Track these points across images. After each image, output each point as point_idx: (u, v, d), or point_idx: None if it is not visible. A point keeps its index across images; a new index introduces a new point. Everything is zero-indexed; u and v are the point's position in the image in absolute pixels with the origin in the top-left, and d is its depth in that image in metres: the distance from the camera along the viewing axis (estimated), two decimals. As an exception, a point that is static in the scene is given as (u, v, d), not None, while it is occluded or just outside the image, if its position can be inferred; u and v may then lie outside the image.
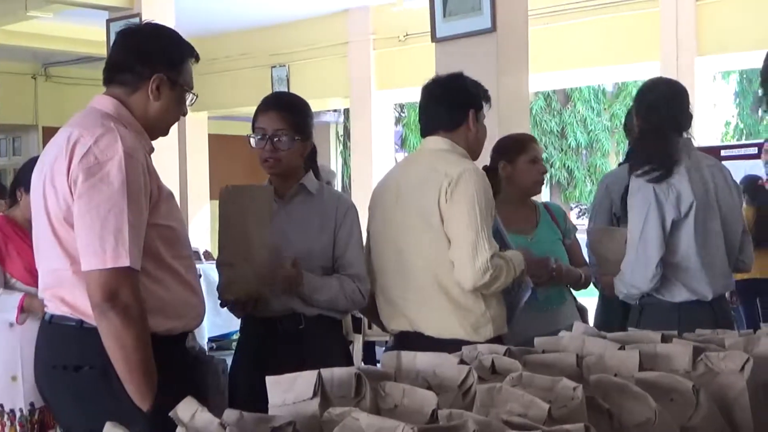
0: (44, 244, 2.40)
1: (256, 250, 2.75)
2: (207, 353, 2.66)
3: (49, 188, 2.34)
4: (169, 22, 7.46)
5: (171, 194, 2.48)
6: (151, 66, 2.43)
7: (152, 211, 2.34)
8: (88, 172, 2.25)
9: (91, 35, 9.41)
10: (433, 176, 2.88)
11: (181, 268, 2.44)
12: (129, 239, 2.22)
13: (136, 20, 7.37)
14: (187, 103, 2.55)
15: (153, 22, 2.61)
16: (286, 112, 2.94)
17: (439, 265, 2.88)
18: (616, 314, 3.42)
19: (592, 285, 3.62)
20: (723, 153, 7.63)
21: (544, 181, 3.67)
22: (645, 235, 3.08)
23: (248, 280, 2.75)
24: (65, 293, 2.35)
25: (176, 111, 2.52)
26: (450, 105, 3.02)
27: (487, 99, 3.11)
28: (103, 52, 7.84)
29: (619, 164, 3.53)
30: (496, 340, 2.75)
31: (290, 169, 2.94)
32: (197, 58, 2.57)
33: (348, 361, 3.06)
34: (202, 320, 2.56)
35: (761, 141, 7.24)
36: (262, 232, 2.75)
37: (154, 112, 2.46)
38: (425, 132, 3.08)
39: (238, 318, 3.05)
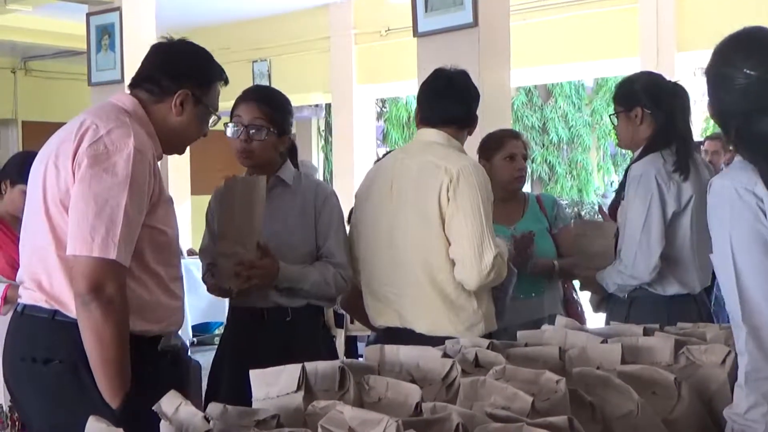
0: (34, 222, 2.37)
1: (253, 240, 2.78)
2: (188, 352, 2.65)
3: (51, 168, 2.31)
4: (150, 16, 7.41)
5: (171, 200, 2.48)
6: (178, 81, 2.46)
7: (150, 212, 2.33)
8: (94, 159, 2.24)
9: (71, 29, 9.33)
10: (432, 171, 2.86)
11: (166, 274, 2.43)
12: (120, 234, 2.21)
13: (116, 14, 7.37)
14: (210, 124, 2.56)
15: (185, 39, 2.61)
16: (265, 104, 2.95)
17: (434, 263, 2.87)
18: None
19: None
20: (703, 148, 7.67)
21: (524, 178, 3.67)
22: (648, 225, 3.09)
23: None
24: (43, 277, 2.32)
25: (196, 129, 2.53)
26: (460, 100, 3.02)
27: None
28: (83, 46, 7.77)
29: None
30: (486, 337, 2.75)
31: (263, 162, 2.94)
32: (226, 82, 2.59)
33: (333, 355, 3.06)
34: (179, 327, 2.55)
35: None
36: (257, 221, 2.79)
37: (174, 126, 2.47)
38: (430, 123, 3.02)
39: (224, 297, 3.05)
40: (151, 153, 2.34)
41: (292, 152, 3.14)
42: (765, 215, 1.82)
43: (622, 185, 3.27)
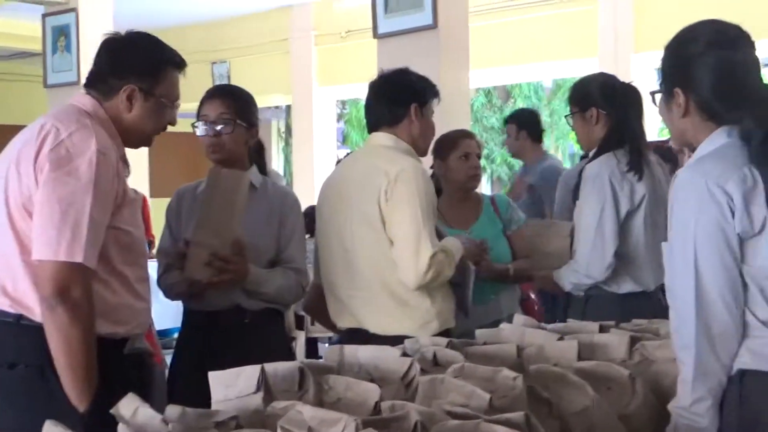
0: None
1: (230, 234, 2.76)
2: (152, 356, 2.63)
3: (12, 173, 2.29)
4: (107, 18, 7.33)
5: (136, 200, 2.45)
6: (121, 77, 2.41)
7: (115, 213, 2.31)
8: (57, 163, 2.22)
9: (27, 30, 9.23)
10: (374, 175, 2.89)
11: (131, 274, 2.41)
12: (86, 236, 2.19)
13: (73, 15, 7.29)
14: (172, 113, 2.51)
15: (136, 29, 2.54)
16: (229, 98, 2.97)
17: (382, 264, 2.89)
18: None
19: None
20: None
21: (479, 177, 3.69)
22: (602, 224, 3.13)
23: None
24: (8, 283, 2.30)
25: (153, 122, 2.48)
26: (391, 100, 3.03)
27: (435, 93, 3.11)
28: (39, 47, 7.69)
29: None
30: (444, 334, 2.76)
31: (234, 156, 2.94)
32: (181, 67, 2.52)
33: (290, 357, 3.06)
34: (146, 328, 2.53)
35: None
36: (237, 216, 2.77)
37: (128, 122, 2.43)
38: (371, 128, 3.09)
39: (180, 299, 3.03)
40: (114, 154, 2.32)
41: (258, 152, 3.15)
42: (732, 214, 1.84)
43: (577, 185, 3.31)
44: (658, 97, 2.09)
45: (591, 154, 3.32)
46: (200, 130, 2.95)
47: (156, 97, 2.45)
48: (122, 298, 2.38)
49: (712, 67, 1.95)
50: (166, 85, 2.47)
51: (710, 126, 1.96)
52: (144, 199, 6.32)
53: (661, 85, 2.06)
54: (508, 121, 5.41)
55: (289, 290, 2.95)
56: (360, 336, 2.86)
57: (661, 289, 3.29)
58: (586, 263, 3.15)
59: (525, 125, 5.25)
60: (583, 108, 3.31)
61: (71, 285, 2.18)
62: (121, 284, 2.38)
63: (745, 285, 1.86)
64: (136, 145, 2.53)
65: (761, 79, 2.00)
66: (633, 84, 3.42)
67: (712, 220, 1.84)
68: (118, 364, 2.36)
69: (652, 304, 3.22)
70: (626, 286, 3.21)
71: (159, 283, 2.98)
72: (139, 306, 2.45)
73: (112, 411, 1.56)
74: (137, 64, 2.44)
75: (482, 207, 3.69)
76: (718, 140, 1.94)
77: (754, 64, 1.98)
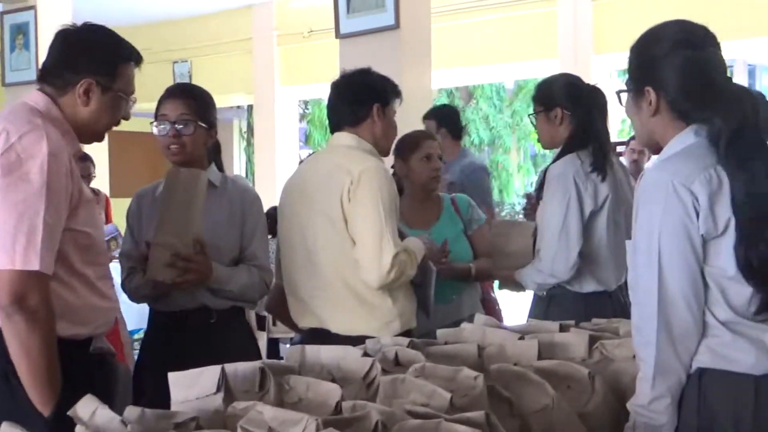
0: None
1: (190, 233, 2.74)
2: (115, 356, 2.60)
3: None
4: (66, 16, 7.25)
5: (92, 200, 2.41)
6: (78, 71, 2.36)
7: (71, 215, 2.27)
8: (7, 168, 2.17)
9: (-16, 28, 9.10)
10: (337, 174, 2.89)
11: (93, 274, 2.38)
12: (42, 242, 2.16)
13: (31, 13, 7.20)
14: (128, 108, 2.48)
15: (91, 22, 2.49)
16: (189, 98, 2.93)
17: (345, 264, 2.89)
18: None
19: None
20: (618, 149, 7.84)
21: (440, 177, 3.70)
22: (567, 224, 3.15)
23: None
24: None
25: (109, 116, 2.44)
26: (353, 100, 3.03)
27: (397, 94, 3.12)
28: (-3, 45, 7.58)
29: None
30: (405, 334, 2.77)
31: (193, 157, 2.91)
32: (138, 61, 2.48)
33: (258, 355, 3.05)
34: (111, 326, 2.51)
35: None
36: (197, 215, 2.75)
37: (83, 117, 2.39)
38: (333, 128, 3.09)
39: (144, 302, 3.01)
40: (67, 154, 2.28)
41: (215, 150, 3.13)
42: (697, 215, 1.86)
43: (541, 185, 3.33)
44: (624, 96, 2.10)
45: (555, 153, 3.33)
46: (159, 129, 2.90)
47: (113, 92, 2.41)
48: (85, 299, 2.36)
49: (682, 66, 1.96)
50: (123, 79, 2.44)
51: (679, 125, 1.97)
52: (107, 199, 6.26)
53: (628, 84, 2.07)
54: (426, 117, 5.18)
55: (253, 287, 2.94)
56: (322, 336, 2.86)
57: (623, 287, 3.34)
58: (551, 263, 3.17)
59: (444, 122, 5.11)
60: (547, 107, 3.33)
61: (28, 293, 2.15)
62: (83, 285, 2.35)
63: (706, 285, 1.88)
64: (89, 140, 2.49)
65: (729, 79, 2.02)
66: (597, 86, 3.44)
67: (677, 219, 1.86)
68: (83, 366, 2.33)
69: (614, 303, 3.26)
70: (589, 286, 3.24)
71: (123, 286, 2.95)
72: (104, 305, 2.42)
73: (69, 413, 1.55)
74: (95, 57, 2.40)
75: (443, 207, 3.70)
76: (685, 140, 1.95)
77: (722, 64, 2.01)
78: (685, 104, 1.96)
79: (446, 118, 5.16)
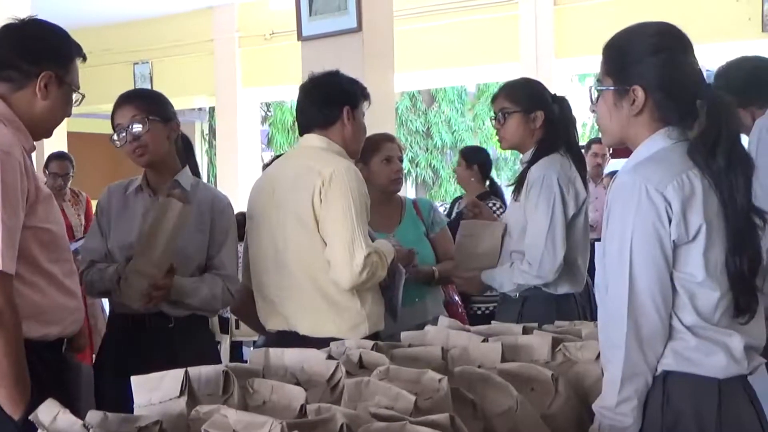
0: None
1: (167, 262, 2.74)
2: (75, 358, 2.57)
3: None
4: (24, 15, 7.17)
5: (50, 195, 2.38)
6: (38, 63, 2.34)
7: (29, 212, 2.24)
8: None
9: (-60, 28, 8.96)
10: (307, 175, 2.89)
11: (59, 272, 2.36)
12: (2, 242, 2.13)
13: (-11, 13, 7.11)
14: (74, 103, 2.46)
15: (37, 17, 2.49)
16: (137, 100, 2.92)
17: (314, 265, 2.88)
18: None
19: None
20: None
21: (401, 180, 3.71)
22: (554, 226, 3.16)
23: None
24: None
25: (62, 111, 2.43)
26: (323, 102, 3.03)
27: (366, 96, 3.13)
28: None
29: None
30: (373, 337, 2.77)
31: (159, 154, 2.90)
32: (84, 58, 2.48)
33: (216, 360, 3.03)
34: (80, 325, 2.48)
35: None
36: (175, 245, 2.75)
37: (40, 111, 2.36)
38: (302, 130, 3.08)
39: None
40: (20, 151, 2.25)
41: (186, 150, 3.11)
42: (670, 220, 1.86)
43: (518, 186, 3.31)
44: (594, 94, 2.08)
45: (528, 156, 3.33)
46: (119, 138, 2.88)
47: (68, 85, 2.40)
48: (52, 298, 2.33)
49: (672, 67, 1.96)
50: (74, 74, 2.44)
51: (657, 127, 1.97)
52: (87, 200, 6.18)
53: (607, 82, 2.03)
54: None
55: (214, 299, 2.91)
56: (289, 338, 2.85)
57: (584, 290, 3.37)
58: (538, 264, 3.18)
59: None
60: (527, 109, 3.32)
61: None
62: (48, 283, 2.33)
63: (674, 290, 1.90)
64: (39, 137, 2.45)
65: (709, 84, 2.03)
66: (562, 96, 3.47)
67: (649, 224, 1.87)
68: (54, 367, 2.31)
69: (578, 304, 3.29)
70: (563, 288, 3.26)
71: (81, 278, 2.92)
72: (71, 304, 2.40)
73: (30, 417, 1.53)
74: (53, 49, 2.39)
75: (405, 210, 3.71)
76: (658, 142, 1.96)
77: (699, 67, 2.02)
78: (672, 106, 1.96)
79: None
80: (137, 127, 2.85)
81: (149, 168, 2.95)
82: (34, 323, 2.26)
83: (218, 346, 4.21)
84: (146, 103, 2.91)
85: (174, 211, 2.75)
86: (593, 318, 3.41)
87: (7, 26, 2.43)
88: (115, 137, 2.89)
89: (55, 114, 2.41)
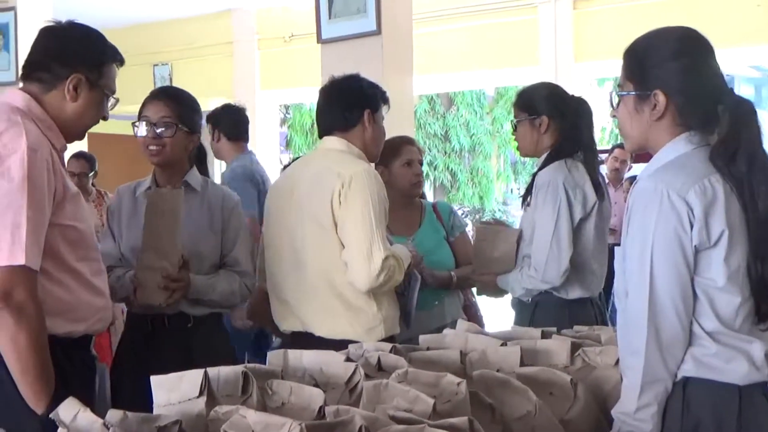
0: None
1: (176, 253, 2.75)
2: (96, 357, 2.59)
3: None
4: (47, 17, 7.20)
5: (78, 194, 2.40)
6: (69, 65, 2.36)
7: (56, 210, 2.26)
8: None
9: (-37, 28, 9.03)
10: (327, 177, 2.89)
11: (87, 270, 2.37)
12: (27, 237, 2.14)
13: (11, 14, 7.15)
14: (109, 107, 2.48)
15: (77, 21, 2.50)
16: (172, 101, 2.94)
17: (332, 266, 2.88)
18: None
19: None
20: (600, 157, 7.88)
21: (422, 183, 3.71)
22: (558, 231, 3.17)
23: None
24: None
25: (94, 114, 2.45)
26: (345, 105, 3.03)
27: (386, 100, 3.13)
28: (-24, 46, 7.52)
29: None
30: (388, 340, 2.77)
31: (173, 160, 2.92)
32: (122, 63, 2.51)
33: (234, 359, 3.03)
34: (107, 323, 2.49)
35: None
36: (179, 234, 2.75)
37: (70, 113, 2.39)
38: (322, 132, 3.08)
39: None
40: (48, 149, 2.27)
41: (200, 157, 3.12)
42: (691, 225, 1.85)
43: (528, 191, 3.33)
44: (614, 98, 2.07)
45: (540, 161, 3.34)
46: (141, 130, 2.91)
47: (100, 88, 2.42)
48: (79, 296, 2.34)
49: (695, 72, 1.95)
50: (109, 77, 2.46)
51: (678, 132, 1.96)
52: None
53: (628, 87, 2.02)
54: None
55: (233, 294, 2.94)
56: (305, 339, 2.85)
57: (602, 294, 3.35)
58: (543, 269, 3.19)
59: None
60: (532, 115, 3.33)
61: (14, 288, 2.13)
62: (76, 281, 2.34)
63: (694, 295, 1.89)
64: (72, 139, 2.48)
65: (731, 89, 2.01)
66: (582, 97, 3.46)
67: (671, 229, 1.86)
68: (80, 364, 2.32)
69: (595, 309, 3.29)
70: (575, 293, 3.26)
71: None
72: (98, 302, 2.41)
73: (51, 415, 1.53)
74: (85, 53, 2.41)
75: (425, 214, 3.71)
76: (679, 147, 1.95)
77: (720, 71, 2.01)
78: (693, 111, 1.95)
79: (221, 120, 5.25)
80: (163, 130, 2.88)
81: (159, 167, 2.97)
82: (60, 320, 2.27)
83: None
84: (181, 108, 2.93)
85: (164, 198, 2.77)
86: (611, 323, 3.40)
87: (45, 29, 2.46)
88: (138, 125, 2.92)
89: (85, 116, 2.43)
